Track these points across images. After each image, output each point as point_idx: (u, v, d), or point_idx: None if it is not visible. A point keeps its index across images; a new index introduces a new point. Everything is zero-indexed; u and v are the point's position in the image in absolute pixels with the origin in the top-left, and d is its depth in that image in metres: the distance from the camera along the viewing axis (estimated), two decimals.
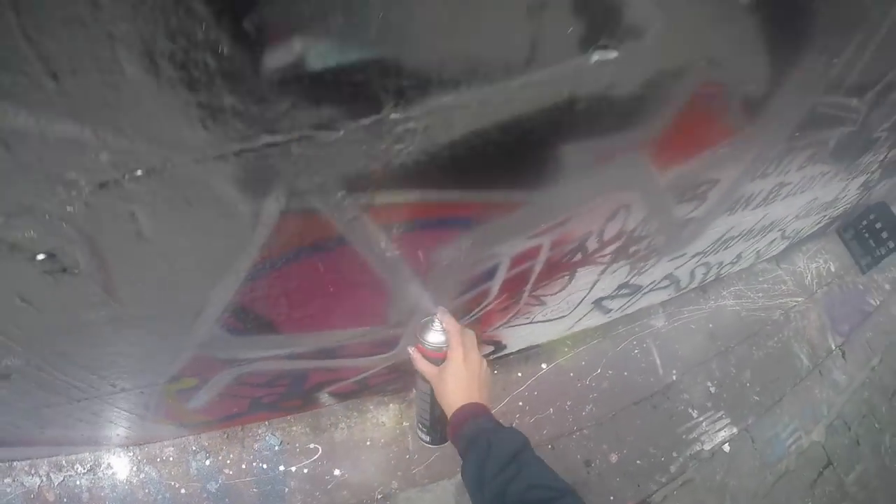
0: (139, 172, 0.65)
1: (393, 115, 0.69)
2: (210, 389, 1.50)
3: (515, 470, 0.88)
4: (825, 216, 3.03)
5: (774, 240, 2.77)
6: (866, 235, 3.53)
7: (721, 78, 1.12)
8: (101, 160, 0.62)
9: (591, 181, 1.18)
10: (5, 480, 1.84)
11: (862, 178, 2.74)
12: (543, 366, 2.19)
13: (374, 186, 0.83)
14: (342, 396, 1.94)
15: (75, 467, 1.86)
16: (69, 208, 0.68)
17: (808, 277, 3.18)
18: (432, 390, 1.10)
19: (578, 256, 1.52)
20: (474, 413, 1.01)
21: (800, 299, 2.99)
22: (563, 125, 0.92)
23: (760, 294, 2.89)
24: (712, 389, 2.42)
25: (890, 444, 2.90)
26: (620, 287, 1.98)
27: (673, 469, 2.18)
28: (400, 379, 1.92)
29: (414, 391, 1.21)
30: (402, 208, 0.93)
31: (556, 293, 1.70)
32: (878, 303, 3.44)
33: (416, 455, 1.93)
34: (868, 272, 3.56)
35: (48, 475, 1.84)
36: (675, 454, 2.19)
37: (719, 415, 2.37)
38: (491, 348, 1.99)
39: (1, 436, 1.59)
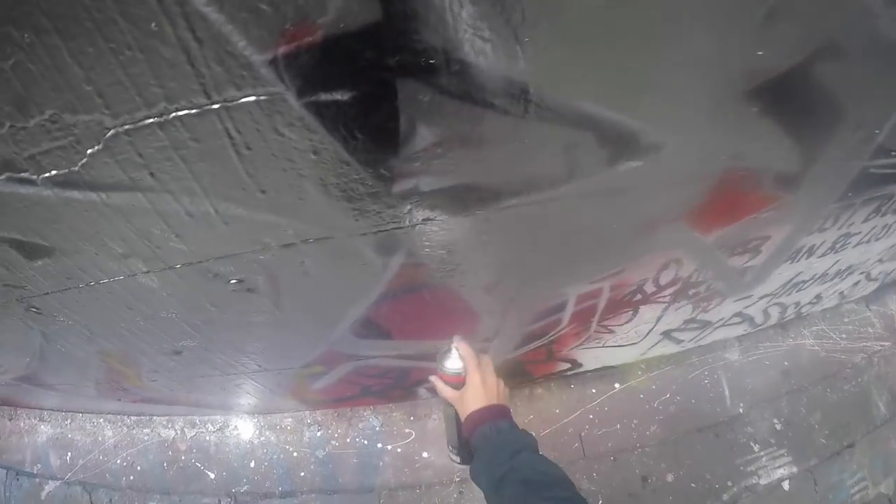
0: (311, 240, 1.14)
1: (478, 212, 1.14)
2: (333, 376, 2.04)
3: (526, 457, 1.07)
4: None
5: (859, 282, 2.93)
6: None
7: (748, 165, 1.40)
8: (287, 233, 1.11)
9: (637, 244, 1.55)
10: (144, 430, 2.54)
11: None
12: (616, 385, 2.58)
13: (472, 249, 1.30)
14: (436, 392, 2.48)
15: (207, 426, 2.53)
16: (261, 256, 1.18)
17: None
18: (457, 413, 1.28)
19: (638, 297, 1.85)
20: (495, 415, 1.20)
21: (887, 344, 3.10)
22: (605, 211, 1.33)
23: (843, 335, 3.06)
24: (778, 426, 2.67)
25: None
26: (687, 322, 2.29)
27: (725, 497, 2.46)
28: None
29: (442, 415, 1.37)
30: (485, 264, 1.39)
31: (622, 325, 2.04)
32: None
33: None
34: None
35: (182, 430, 2.52)
36: (729, 483, 2.48)
37: (781, 452, 2.62)
38: (567, 365, 2.39)
39: (154, 395, 2.21)
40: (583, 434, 2.46)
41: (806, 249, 2.16)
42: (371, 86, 0.82)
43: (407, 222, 1.14)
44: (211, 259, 1.21)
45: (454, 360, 1.30)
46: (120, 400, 2.37)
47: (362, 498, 2.38)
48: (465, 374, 1.27)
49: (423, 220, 1.14)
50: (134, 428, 2.58)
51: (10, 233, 1.11)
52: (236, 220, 1.07)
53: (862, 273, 2.79)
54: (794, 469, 2.64)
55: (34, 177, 0.93)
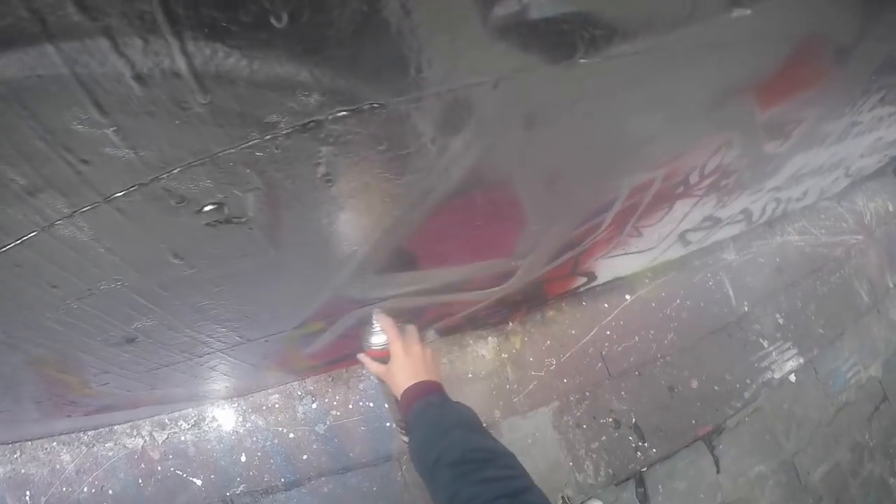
0: (343, 113, 0.71)
1: (582, 60, 0.84)
2: (333, 332, 1.64)
3: (458, 436, 0.98)
4: (886, 155, 3.21)
5: (838, 177, 2.96)
6: None
7: (821, 31, 1.33)
8: (309, 102, 0.67)
9: (710, 118, 1.38)
10: (107, 445, 2.00)
11: None
12: (627, 297, 2.44)
13: (556, 122, 0.99)
14: (446, 332, 2.14)
15: (179, 423, 2.04)
16: (259, 153, 0.73)
17: (868, 216, 3.36)
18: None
19: (681, 189, 1.79)
20: (425, 391, 1.14)
21: (860, 237, 3.18)
22: (698, 71, 1.13)
23: (823, 230, 3.08)
24: (780, 321, 2.65)
25: None
26: (704, 219, 2.19)
27: (746, 395, 2.42)
28: (501, 311, 2.13)
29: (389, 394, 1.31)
30: (561, 145, 1.10)
31: (653, 224, 1.93)
32: None
33: (515, 385, 2.15)
34: None
35: (151, 434, 2.02)
36: (748, 381, 2.43)
37: (787, 345, 2.60)
38: (584, 280, 2.21)
39: (110, 402, 1.69)
40: (604, 353, 2.30)
41: (820, 137, 2.14)
42: None
43: (491, 76, 0.80)
44: (174, 169, 0.71)
45: (377, 335, 1.26)
46: (70, 416, 1.85)
47: (380, 469, 2.06)
48: (388, 345, 1.23)
49: (514, 69, 0.81)
50: (94, 445, 2.06)
51: None
52: (225, 83, 0.61)
53: (844, 168, 2.81)
54: (801, 360, 2.66)
55: None
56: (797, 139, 1.98)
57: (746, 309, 2.59)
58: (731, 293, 2.59)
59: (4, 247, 0.77)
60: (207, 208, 0.82)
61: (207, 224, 0.86)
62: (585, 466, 2.14)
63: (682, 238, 2.28)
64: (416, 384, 1.16)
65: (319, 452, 2.04)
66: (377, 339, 1.25)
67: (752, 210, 2.48)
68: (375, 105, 0.74)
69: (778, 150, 1.96)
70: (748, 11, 1.01)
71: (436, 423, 1.04)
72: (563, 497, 2.10)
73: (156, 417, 2.06)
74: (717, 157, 1.71)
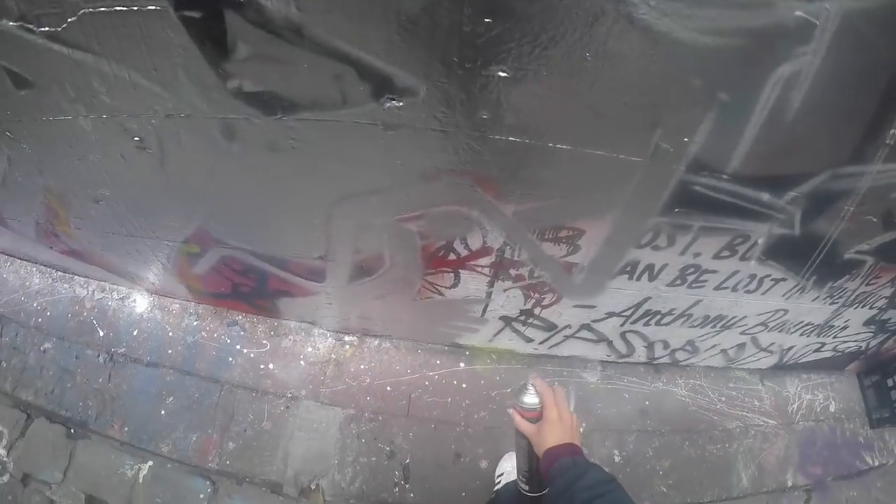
0: (182, 115, 1.57)
1: (281, 117, 1.52)
2: (208, 260, 2.34)
3: (602, 491, 1.12)
4: (822, 344, 2.92)
5: (744, 345, 2.73)
6: (891, 386, 3.14)
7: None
8: (168, 105, 1.56)
9: (419, 192, 1.74)
10: (65, 286, 2.95)
11: (864, 312, 2.62)
12: (461, 364, 2.68)
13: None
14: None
15: (112, 293, 2.92)
16: (153, 120, 1.61)
17: (795, 405, 3.06)
18: (529, 445, 1.34)
19: (452, 256, 2.01)
20: (572, 451, 1.26)
21: (771, 422, 2.94)
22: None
23: (723, 398, 2.91)
24: (617, 458, 2.62)
25: None
26: (526, 313, 2.35)
27: None
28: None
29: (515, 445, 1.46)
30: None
31: (449, 287, 2.20)
32: (877, 463, 3.14)
33: (329, 381, 2.61)
34: (878, 428, 3.20)
35: (93, 292, 2.92)
36: None
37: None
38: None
39: (77, 247, 2.59)
40: (413, 395, 2.49)
41: (644, 267, 2.07)
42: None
43: (236, 113, 1.55)
44: (124, 115, 1.62)
45: (531, 396, 1.35)
46: (52, 248, 2.75)
47: (207, 385, 2.65)
48: (542, 408, 1.33)
49: (245, 116, 1.55)
50: (58, 281, 2.99)
51: (11, 64, 1.59)
52: (139, 87, 1.51)
53: (745, 335, 2.62)
54: None
55: (35, 28, 1.42)
56: (595, 255, 1.99)
57: (581, 429, 2.56)
58: (571, 407, 2.56)
59: (57, 117, 1.71)
60: (136, 139, 1.72)
61: (136, 146, 1.75)
62: (346, 472, 2.32)
63: (511, 327, 2.39)
64: (565, 444, 1.26)
65: (180, 354, 2.75)
66: (530, 399, 1.35)
67: (604, 334, 2.49)
68: (193, 115, 1.57)
69: (573, 260, 2.01)
70: (400, 104, 1.45)
71: (582, 474, 1.17)
72: (316, 483, 2.29)
73: (102, 283, 2.95)
74: (474, 236, 1.91)
